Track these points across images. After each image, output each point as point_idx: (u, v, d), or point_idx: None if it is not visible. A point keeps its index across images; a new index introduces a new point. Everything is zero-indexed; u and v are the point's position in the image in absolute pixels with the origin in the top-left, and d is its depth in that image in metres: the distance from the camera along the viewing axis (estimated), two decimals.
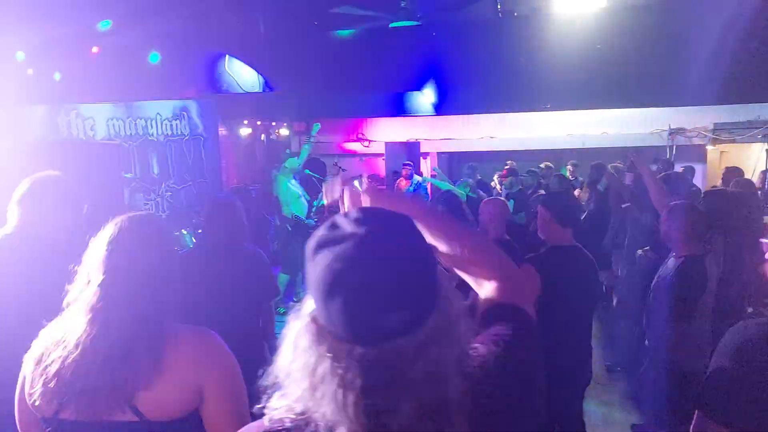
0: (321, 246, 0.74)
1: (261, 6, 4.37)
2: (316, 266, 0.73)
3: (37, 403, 1.21)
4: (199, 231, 6.10)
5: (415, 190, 7.55)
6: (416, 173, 7.91)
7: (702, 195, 3.35)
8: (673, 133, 9.49)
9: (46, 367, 1.20)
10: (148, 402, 1.19)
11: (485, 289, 1.02)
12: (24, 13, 5.28)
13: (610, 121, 9.87)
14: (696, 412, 1.53)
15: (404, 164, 7.84)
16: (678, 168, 6.92)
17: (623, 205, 4.91)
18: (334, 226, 0.76)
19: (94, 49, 3.98)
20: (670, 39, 3.45)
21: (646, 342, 2.82)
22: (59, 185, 1.89)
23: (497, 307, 0.96)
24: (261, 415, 0.83)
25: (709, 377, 1.47)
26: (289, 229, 6.11)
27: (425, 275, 0.74)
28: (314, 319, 0.74)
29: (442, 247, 1.00)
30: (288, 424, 0.77)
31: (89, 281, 1.23)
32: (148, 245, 1.29)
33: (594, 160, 6.51)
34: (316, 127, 7.36)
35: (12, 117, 4.99)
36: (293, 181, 6.35)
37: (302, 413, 0.76)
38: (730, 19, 3.44)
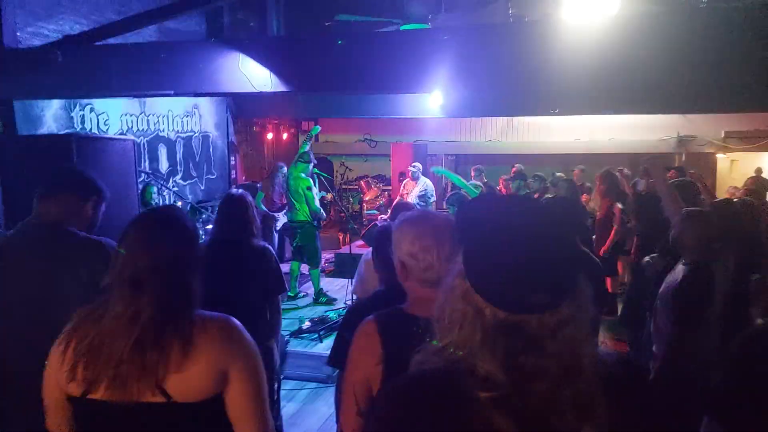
0: (490, 223, 0.87)
1: (275, 6, 4.42)
2: (477, 233, 0.86)
3: (66, 384, 1.26)
4: (209, 226, 6.20)
5: (422, 194, 7.55)
6: (423, 174, 7.93)
7: (708, 205, 3.36)
8: (683, 140, 9.47)
9: (78, 349, 1.25)
10: (177, 384, 1.24)
11: None
12: (46, 8, 5.35)
13: (617, 127, 9.86)
14: (705, 418, 1.55)
15: (410, 166, 7.86)
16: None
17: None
18: (500, 210, 0.90)
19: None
20: (681, 46, 3.46)
21: (654, 348, 2.83)
22: (82, 180, 1.94)
23: None
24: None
25: (719, 384, 1.49)
26: (315, 224, 6.33)
27: (569, 260, 0.85)
28: (465, 279, 0.86)
29: None
30: (440, 364, 0.87)
31: (121, 271, 1.28)
32: (176, 235, 1.35)
33: (601, 165, 6.52)
34: (315, 129, 7.46)
35: (28, 110, 5.06)
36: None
37: (451, 355, 0.85)
38: (741, 26, 3.45)
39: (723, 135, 9.28)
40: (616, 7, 4.26)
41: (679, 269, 2.74)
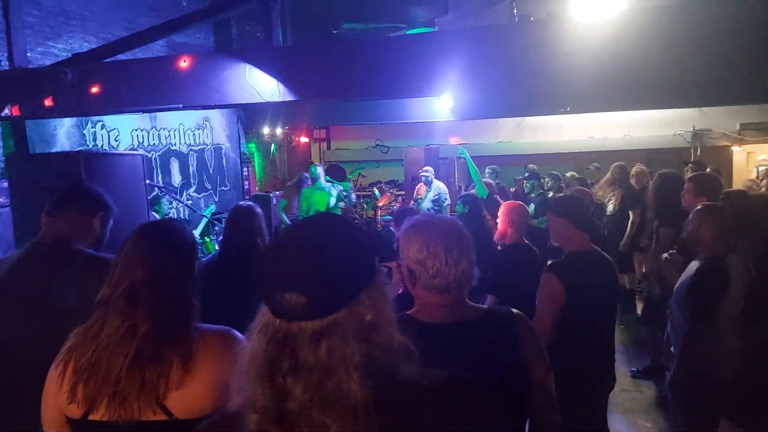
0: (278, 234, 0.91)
1: (281, 15, 4.44)
2: (268, 255, 0.87)
3: (66, 405, 1.23)
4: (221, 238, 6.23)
5: (435, 198, 7.50)
6: (436, 178, 7.87)
7: (722, 196, 3.26)
8: (698, 134, 9.31)
9: (77, 367, 1.23)
10: (178, 401, 1.21)
11: None
12: (54, 28, 5.44)
13: (631, 123, 9.73)
14: (721, 419, 1.50)
15: (422, 171, 7.79)
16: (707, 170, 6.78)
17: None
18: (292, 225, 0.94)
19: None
20: (693, 40, 3.39)
21: (672, 349, 2.76)
22: (89, 196, 1.94)
23: None
24: None
25: (735, 384, 1.44)
26: None
27: (334, 270, 0.83)
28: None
29: None
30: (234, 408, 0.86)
31: (117, 285, 1.27)
32: (172, 250, 1.33)
33: (616, 162, 6.42)
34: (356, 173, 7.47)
35: (42, 129, 5.13)
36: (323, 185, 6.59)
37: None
38: (755, 18, 3.37)
39: (738, 127, 9.10)
40: (624, 2, 4.20)
41: (693, 265, 2.67)
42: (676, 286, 2.71)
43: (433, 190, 7.53)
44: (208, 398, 1.24)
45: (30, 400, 1.38)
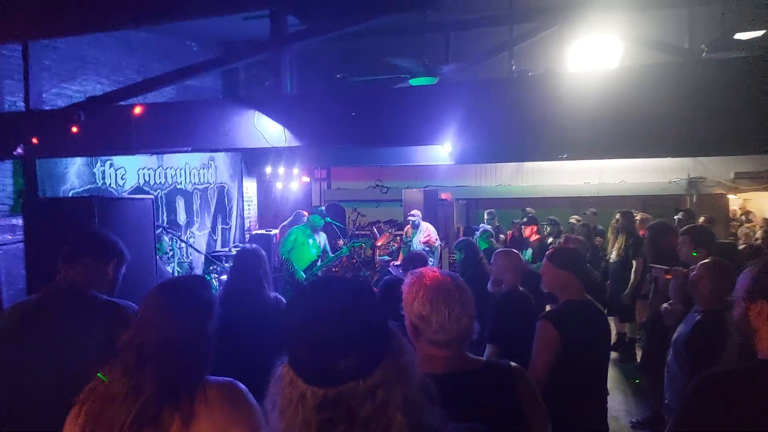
0: (295, 302, 0.94)
1: (289, 64, 4.62)
2: (290, 319, 0.91)
3: None
4: (223, 277, 6.27)
5: (426, 239, 7.57)
6: (433, 221, 7.96)
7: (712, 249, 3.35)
8: (693, 182, 9.48)
9: (88, 413, 1.27)
10: None
11: None
12: (70, 71, 5.63)
13: (627, 170, 9.91)
14: None
15: (409, 215, 7.93)
16: (700, 219, 6.90)
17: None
18: (307, 287, 0.97)
19: (137, 110, 4.20)
20: (685, 95, 3.54)
21: (666, 400, 2.78)
22: (104, 244, 2.01)
23: None
24: None
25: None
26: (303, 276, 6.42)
27: (373, 329, 0.89)
28: (287, 366, 0.89)
29: None
30: None
31: (131, 340, 1.32)
32: (190, 311, 1.37)
33: (612, 208, 6.53)
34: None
35: (52, 167, 5.24)
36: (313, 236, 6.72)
37: None
38: (746, 74, 3.53)
39: (733, 176, 9.29)
40: (617, 61, 4.39)
41: (692, 318, 2.72)
42: (674, 337, 2.75)
43: (423, 233, 7.64)
44: None
45: None
